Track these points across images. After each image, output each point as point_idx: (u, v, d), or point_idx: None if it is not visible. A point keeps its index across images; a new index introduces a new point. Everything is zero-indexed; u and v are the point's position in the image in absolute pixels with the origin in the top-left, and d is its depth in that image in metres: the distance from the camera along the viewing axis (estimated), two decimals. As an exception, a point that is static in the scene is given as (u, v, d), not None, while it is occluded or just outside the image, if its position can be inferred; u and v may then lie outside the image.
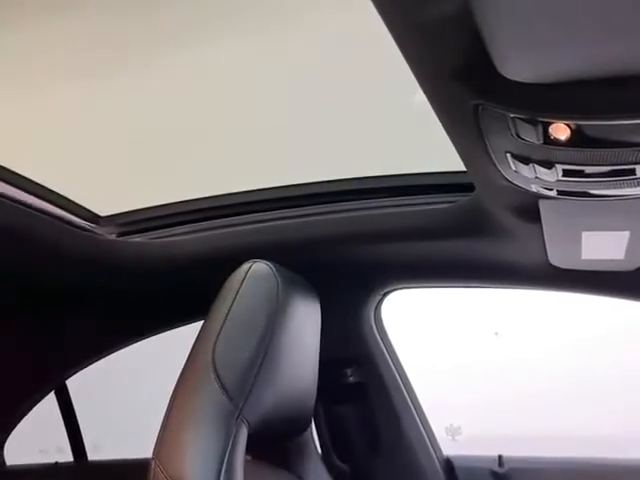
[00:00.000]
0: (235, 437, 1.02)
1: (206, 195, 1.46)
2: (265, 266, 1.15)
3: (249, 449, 1.05)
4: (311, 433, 1.33)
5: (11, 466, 1.82)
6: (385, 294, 1.48)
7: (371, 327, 1.49)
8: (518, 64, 0.62)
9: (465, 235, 1.27)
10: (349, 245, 1.36)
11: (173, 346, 1.61)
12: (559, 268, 1.25)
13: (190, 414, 1.03)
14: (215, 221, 1.44)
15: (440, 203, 1.28)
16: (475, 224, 1.23)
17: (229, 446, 1.01)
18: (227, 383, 1.03)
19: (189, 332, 1.50)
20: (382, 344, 1.50)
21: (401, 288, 1.47)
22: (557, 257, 1.22)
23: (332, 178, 1.43)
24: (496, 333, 2.61)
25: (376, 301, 1.49)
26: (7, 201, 1.14)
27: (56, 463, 1.82)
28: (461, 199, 1.23)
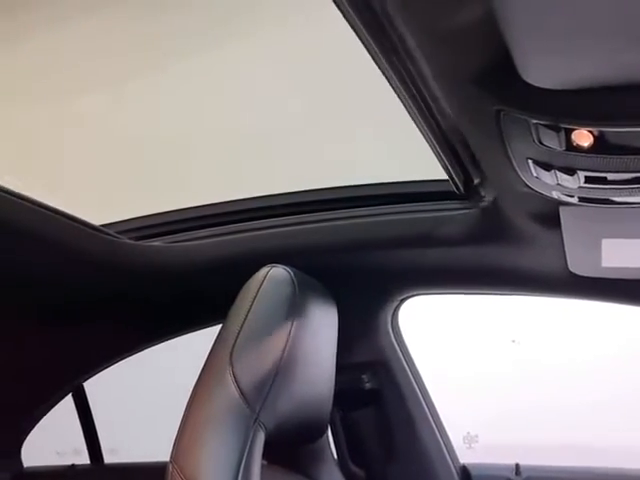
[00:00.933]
0: (252, 442, 1.02)
1: (224, 200, 1.47)
2: (283, 271, 1.15)
3: (265, 454, 1.05)
4: (327, 438, 1.33)
5: (28, 468, 1.84)
6: (402, 300, 1.48)
7: (388, 333, 1.48)
8: (541, 70, 0.62)
9: (484, 241, 1.26)
10: (367, 251, 1.36)
11: (190, 349, 1.61)
12: (579, 275, 1.24)
13: (208, 418, 1.03)
14: (233, 225, 1.44)
15: (459, 209, 1.27)
16: (494, 230, 1.22)
17: (246, 450, 1.01)
18: (245, 387, 1.03)
19: (206, 335, 1.51)
20: (399, 350, 1.49)
21: (418, 294, 1.47)
22: (577, 264, 1.21)
23: (351, 184, 1.43)
24: (513, 341, 2.60)
25: (393, 307, 1.48)
26: (26, 203, 1.15)
27: (73, 465, 1.83)
28: (479, 205, 1.23)
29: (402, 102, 0.91)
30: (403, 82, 0.86)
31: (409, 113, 0.95)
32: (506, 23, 0.56)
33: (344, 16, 0.72)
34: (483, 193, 1.24)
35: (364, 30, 0.73)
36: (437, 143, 1.03)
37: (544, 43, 0.57)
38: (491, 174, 0.96)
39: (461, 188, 1.23)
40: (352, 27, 0.74)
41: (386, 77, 0.86)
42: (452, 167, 1.13)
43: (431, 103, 0.94)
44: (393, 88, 0.89)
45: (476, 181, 1.19)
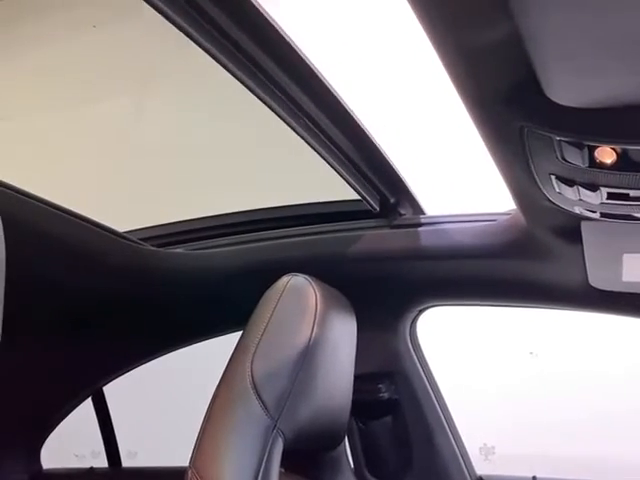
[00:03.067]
0: (271, 449, 1.03)
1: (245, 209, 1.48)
2: (304, 280, 1.16)
3: (283, 462, 1.06)
4: (344, 447, 1.34)
5: (47, 469, 1.85)
6: (421, 311, 1.48)
7: (406, 343, 1.49)
8: (566, 89, 0.63)
9: (504, 254, 1.26)
10: (386, 261, 1.37)
11: (209, 355, 1.63)
12: (599, 289, 1.24)
13: (227, 425, 1.04)
14: (254, 234, 1.45)
15: (481, 221, 1.28)
16: (515, 243, 1.22)
17: (265, 458, 1.01)
18: (264, 395, 1.04)
19: (225, 342, 1.52)
20: (417, 361, 1.49)
21: (437, 305, 1.47)
22: (597, 278, 1.21)
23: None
24: (531, 353, 2.58)
25: (412, 317, 1.48)
26: (48, 208, 1.17)
27: (91, 468, 1.85)
28: (502, 218, 1.24)
29: (300, 136, 1.00)
30: (294, 116, 0.95)
31: (313, 148, 1.04)
32: (532, 43, 0.57)
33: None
34: (403, 211, 1.35)
35: (236, 70, 0.84)
36: (345, 171, 1.13)
37: (569, 63, 0.58)
38: (512, 188, 0.97)
39: (376, 207, 1.33)
40: (222, 65, 0.83)
41: (277, 114, 0.97)
42: (364, 189, 1.25)
43: (330, 134, 1.04)
44: (289, 125, 1.01)
45: (392, 200, 1.28)
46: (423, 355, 1.52)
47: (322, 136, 1.06)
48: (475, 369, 2.56)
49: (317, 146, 1.07)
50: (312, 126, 1.03)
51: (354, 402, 1.26)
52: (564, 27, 0.54)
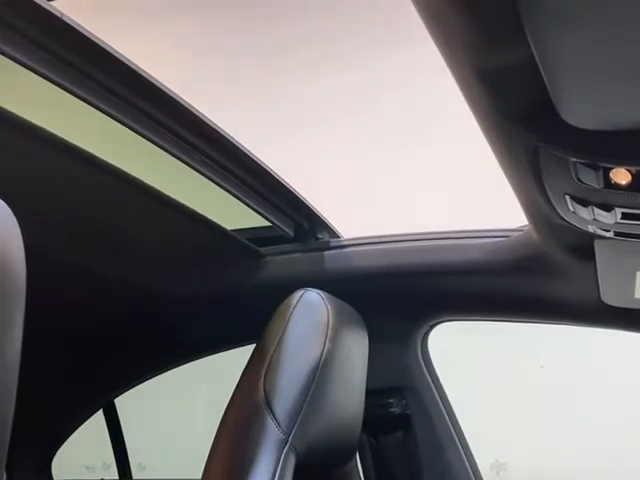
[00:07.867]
0: (283, 464, 1.03)
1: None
2: (316, 295, 1.16)
3: (295, 477, 1.06)
4: (355, 463, 1.34)
5: (58, 481, 1.86)
6: (432, 326, 1.48)
7: (417, 358, 1.48)
8: (581, 111, 0.63)
9: (516, 270, 1.27)
10: (398, 276, 1.37)
11: (221, 368, 1.63)
12: (612, 306, 1.24)
13: (239, 439, 1.04)
14: (266, 248, 1.46)
15: (493, 238, 1.28)
16: (527, 259, 1.23)
17: (277, 473, 1.01)
18: (277, 410, 1.04)
19: (236, 355, 1.52)
20: (428, 375, 1.49)
21: (449, 320, 1.47)
22: (610, 295, 1.21)
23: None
24: (542, 366, 2.58)
25: (423, 332, 1.48)
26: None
27: (101, 480, 1.85)
28: (514, 234, 1.24)
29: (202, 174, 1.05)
30: (186, 153, 0.99)
31: (217, 183, 1.08)
32: (547, 67, 0.57)
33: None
34: (320, 235, 1.37)
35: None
36: (253, 202, 1.21)
37: (584, 87, 0.59)
38: (526, 206, 0.97)
39: (290, 233, 1.35)
40: None
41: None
42: (275, 217, 1.30)
43: (230, 167, 1.08)
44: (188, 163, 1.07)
45: (307, 225, 1.30)
46: (434, 370, 1.52)
47: (221, 170, 1.13)
48: (486, 383, 2.55)
49: (218, 180, 1.14)
50: (211, 162, 1.10)
51: (365, 417, 1.26)
52: (579, 52, 0.55)
